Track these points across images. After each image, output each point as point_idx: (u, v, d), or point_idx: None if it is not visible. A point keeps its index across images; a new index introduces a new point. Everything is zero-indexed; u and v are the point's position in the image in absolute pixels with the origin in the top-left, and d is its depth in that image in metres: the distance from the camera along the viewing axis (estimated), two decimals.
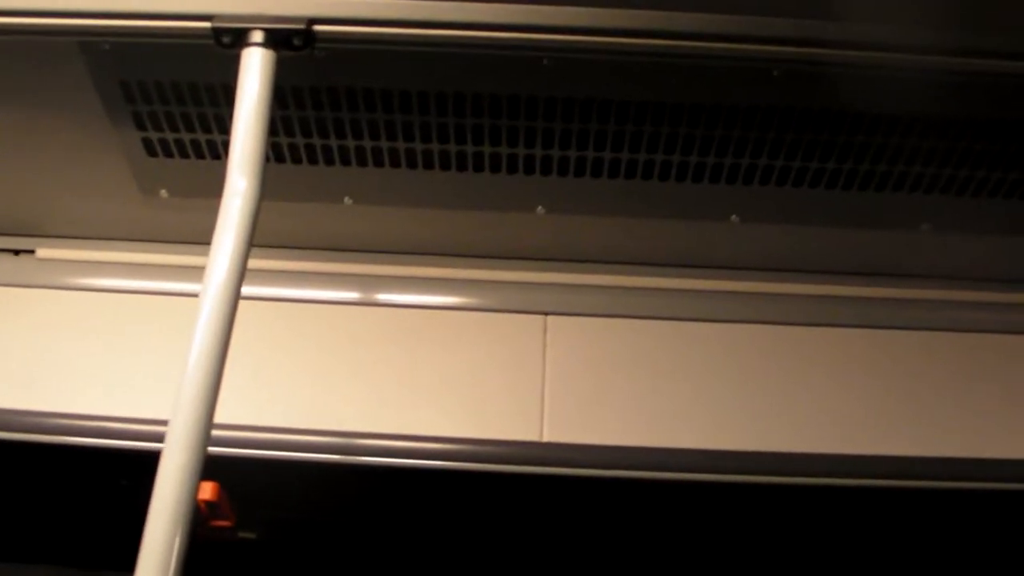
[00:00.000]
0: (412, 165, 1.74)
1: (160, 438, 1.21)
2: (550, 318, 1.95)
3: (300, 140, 1.70)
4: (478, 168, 1.74)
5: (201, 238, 1.32)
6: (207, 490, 1.81)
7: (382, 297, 1.96)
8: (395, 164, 1.74)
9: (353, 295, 1.96)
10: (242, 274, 1.30)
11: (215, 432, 1.25)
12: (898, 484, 1.84)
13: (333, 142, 1.70)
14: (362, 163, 1.74)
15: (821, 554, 2.15)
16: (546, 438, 1.84)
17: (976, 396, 1.92)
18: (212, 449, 1.25)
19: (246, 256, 1.31)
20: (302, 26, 1.43)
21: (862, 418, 1.88)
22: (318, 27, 1.45)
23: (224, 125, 1.65)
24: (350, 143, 1.70)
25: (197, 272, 1.31)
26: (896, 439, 1.86)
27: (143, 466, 1.23)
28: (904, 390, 1.92)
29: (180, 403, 1.21)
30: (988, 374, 1.94)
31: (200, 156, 1.74)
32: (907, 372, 1.93)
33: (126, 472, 1.86)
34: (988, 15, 1.47)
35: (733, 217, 1.84)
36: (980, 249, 1.93)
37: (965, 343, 1.98)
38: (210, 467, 1.36)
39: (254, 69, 1.41)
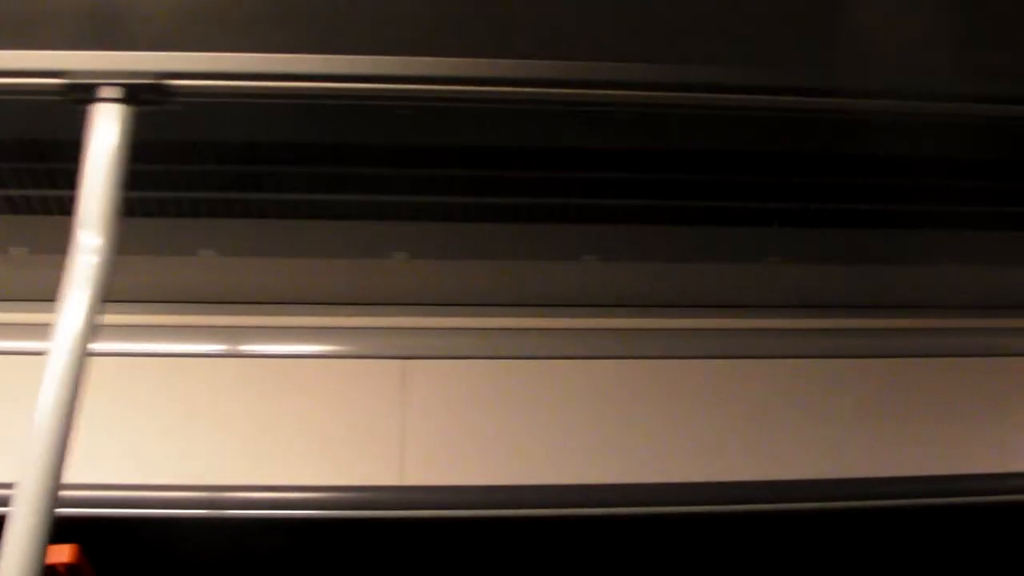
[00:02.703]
0: (266, 216, 1.75)
1: (8, 501, 1.18)
2: (408, 362, 1.97)
3: (157, 193, 1.69)
4: (338, 216, 1.75)
5: (55, 295, 1.29)
6: (66, 553, 1.76)
7: (242, 348, 1.95)
8: (253, 215, 1.75)
9: (212, 347, 1.94)
10: (92, 330, 1.28)
11: (73, 493, 1.23)
12: (762, 508, 1.92)
13: (185, 195, 1.69)
14: (219, 214, 1.74)
15: None
16: (407, 481, 1.85)
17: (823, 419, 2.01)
18: (69, 511, 1.22)
19: (96, 312, 1.29)
20: (155, 81, 1.43)
21: (716, 445, 1.95)
22: (171, 81, 1.44)
23: (75, 180, 1.62)
24: (206, 195, 1.70)
25: (50, 330, 1.28)
26: (756, 464, 1.94)
27: None
28: (762, 415, 2.00)
29: (27, 463, 1.18)
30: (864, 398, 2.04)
31: (50, 212, 1.71)
32: (763, 397, 2.02)
33: None
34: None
35: (584, 256, 1.88)
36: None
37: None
38: (70, 529, 1.32)
39: (107, 125, 1.39)
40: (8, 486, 1.18)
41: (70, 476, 1.21)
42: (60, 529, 1.20)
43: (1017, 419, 2.03)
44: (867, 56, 1.52)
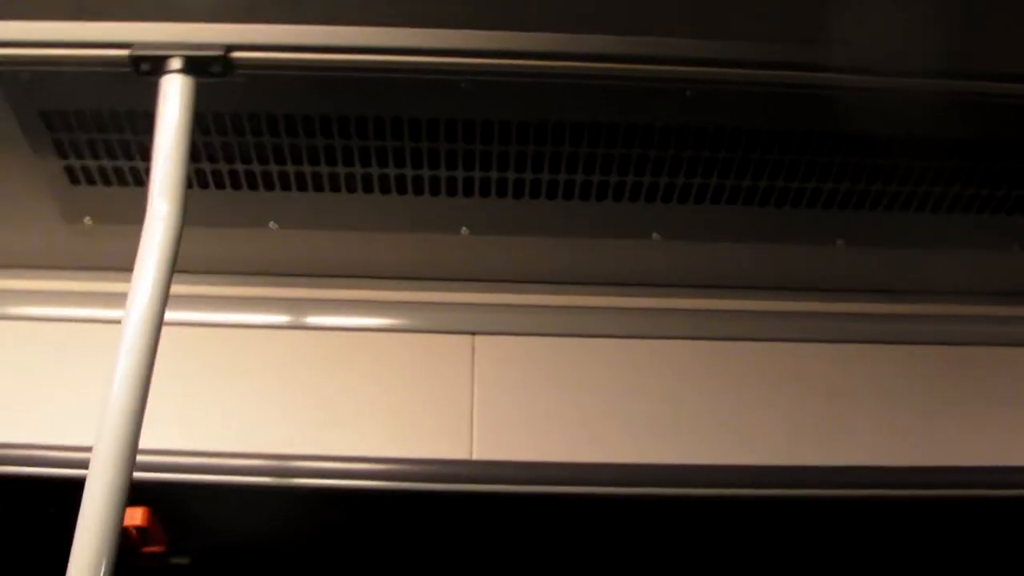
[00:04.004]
0: (336, 189, 1.75)
1: (86, 464, 1.20)
2: (478, 337, 1.97)
3: (223, 166, 1.71)
4: (401, 191, 1.76)
5: (127, 264, 1.32)
6: (137, 516, 1.80)
7: (310, 320, 1.97)
8: (319, 188, 1.75)
9: (280, 319, 1.96)
10: (165, 299, 1.30)
11: (144, 458, 1.25)
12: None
13: (256, 167, 1.71)
14: (286, 187, 1.75)
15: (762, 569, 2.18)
16: (476, 456, 1.86)
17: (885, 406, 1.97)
18: (142, 475, 1.25)
19: (169, 281, 1.31)
20: (220, 53, 1.44)
21: (810, 430, 1.93)
22: (236, 54, 1.46)
23: (146, 151, 1.64)
24: (273, 168, 1.71)
25: (123, 298, 1.31)
26: (832, 449, 1.91)
27: (71, 494, 1.22)
28: (839, 400, 1.96)
29: (104, 428, 1.21)
30: (898, 385, 2.00)
31: (123, 183, 1.74)
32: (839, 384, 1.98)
33: (54, 500, 1.84)
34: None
35: (654, 235, 1.87)
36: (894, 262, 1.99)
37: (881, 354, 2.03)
38: (141, 493, 1.35)
39: (173, 96, 1.42)
40: (86, 450, 1.21)
41: (144, 442, 1.24)
42: (133, 493, 1.22)
43: None
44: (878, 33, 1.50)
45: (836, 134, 1.68)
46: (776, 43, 1.52)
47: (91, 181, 1.74)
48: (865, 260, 1.98)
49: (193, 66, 1.44)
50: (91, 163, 1.71)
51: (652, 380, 1.95)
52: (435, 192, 1.77)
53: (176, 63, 1.43)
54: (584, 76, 1.54)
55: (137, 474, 1.23)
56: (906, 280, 2.05)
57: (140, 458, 1.23)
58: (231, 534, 2.08)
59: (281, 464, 1.83)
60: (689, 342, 1.99)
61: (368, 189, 1.75)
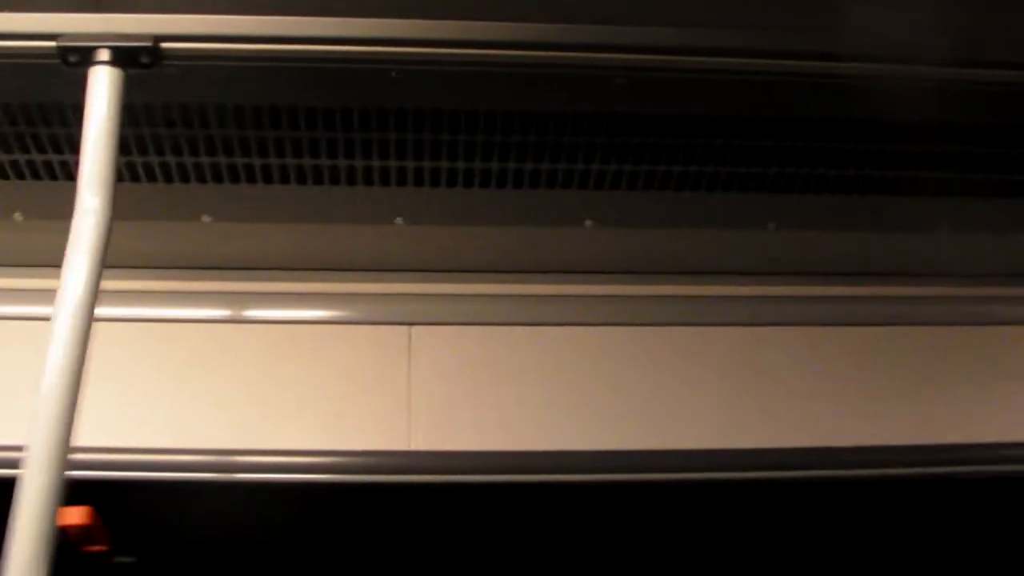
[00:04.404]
0: (268, 180, 1.75)
1: (19, 464, 1.19)
2: (414, 328, 1.97)
3: (154, 158, 1.69)
4: (334, 181, 1.75)
5: (58, 260, 1.30)
6: (77, 515, 1.78)
7: (246, 314, 1.95)
8: (251, 180, 1.74)
9: (215, 312, 1.95)
10: (95, 295, 1.29)
11: (85, 456, 1.25)
12: (773, 476, 1.92)
13: (188, 159, 1.69)
14: (218, 180, 1.74)
15: (701, 553, 2.20)
16: (414, 446, 1.86)
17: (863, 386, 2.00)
18: (82, 473, 1.24)
19: (98, 276, 1.30)
20: (149, 43, 1.43)
21: (711, 412, 1.95)
22: (165, 44, 1.44)
23: (75, 145, 1.62)
24: (205, 160, 1.70)
25: (53, 295, 1.29)
26: (758, 432, 1.94)
27: (5, 494, 1.21)
28: (760, 384, 1.99)
29: (36, 427, 1.20)
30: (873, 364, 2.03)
31: (53, 177, 1.72)
32: (763, 366, 2.01)
33: None
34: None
35: (587, 222, 1.89)
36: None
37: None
38: (82, 492, 1.34)
39: (101, 88, 1.40)
40: (18, 448, 1.19)
41: (78, 440, 1.23)
42: (71, 493, 1.21)
43: None
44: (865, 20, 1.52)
45: (774, 119, 1.70)
46: (713, 29, 1.54)
47: (20, 175, 1.72)
48: (804, 243, 2.01)
49: (121, 57, 1.42)
50: (20, 157, 1.68)
51: (590, 367, 1.97)
52: (368, 182, 1.77)
53: (104, 54, 1.42)
54: (514, 64, 1.55)
55: (77, 472, 1.22)
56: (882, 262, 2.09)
57: (80, 456, 1.22)
58: (176, 531, 2.06)
59: (221, 460, 1.83)
60: (626, 328, 2.01)
61: (301, 180, 1.75)
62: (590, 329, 2.00)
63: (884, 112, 1.67)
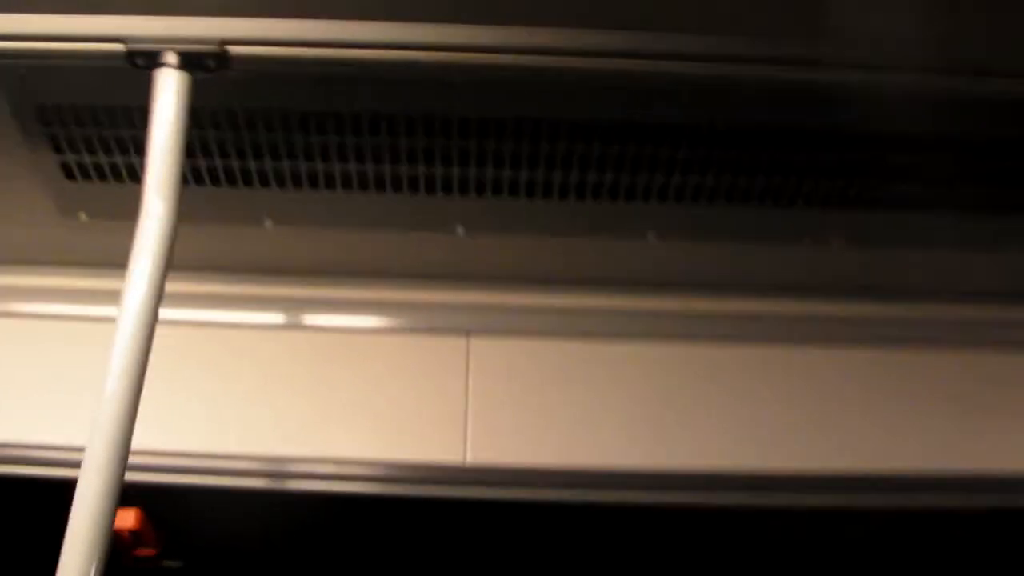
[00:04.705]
0: (331, 186, 1.74)
1: (79, 464, 1.19)
2: (473, 338, 1.96)
3: (218, 162, 1.69)
4: (396, 188, 1.74)
5: (123, 261, 1.31)
6: (129, 518, 1.79)
7: (305, 320, 1.95)
8: (314, 185, 1.74)
9: (275, 318, 1.95)
10: (159, 297, 1.29)
11: (137, 459, 1.24)
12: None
13: (251, 163, 1.69)
14: (281, 184, 1.73)
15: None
16: (469, 460, 1.84)
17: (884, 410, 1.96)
18: (134, 476, 1.24)
19: (163, 279, 1.30)
20: (215, 48, 1.43)
21: (812, 433, 1.91)
22: (232, 48, 1.44)
23: (141, 147, 1.62)
24: (268, 164, 1.69)
25: (118, 296, 1.30)
26: (819, 454, 1.90)
27: (63, 494, 1.21)
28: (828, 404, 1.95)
29: (96, 428, 1.20)
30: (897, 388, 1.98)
31: (119, 178, 1.73)
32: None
33: (47, 500, 1.83)
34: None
35: (650, 234, 1.86)
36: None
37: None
38: (134, 494, 1.34)
39: (168, 91, 1.40)
40: (78, 450, 1.19)
41: (136, 442, 1.22)
42: (125, 494, 1.21)
43: None
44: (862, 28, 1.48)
45: (830, 131, 1.66)
46: (776, 38, 1.50)
47: (87, 176, 1.73)
48: (861, 260, 1.97)
49: (188, 61, 1.42)
50: (86, 158, 1.69)
51: (651, 382, 1.94)
52: (430, 190, 1.75)
53: (171, 58, 1.42)
54: (580, 73, 1.52)
55: (129, 475, 1.22)
56: (901, 281, 2.04)
57: (132, 459, 1.22)
58: (223, 537, 2.07)
59: (273, 466, 1.83)
60: (688, 344, 1.98)
61: (363, 187, 1.74)
62: (652, 344, 1.98)
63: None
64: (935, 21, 1.47)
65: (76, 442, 1.22)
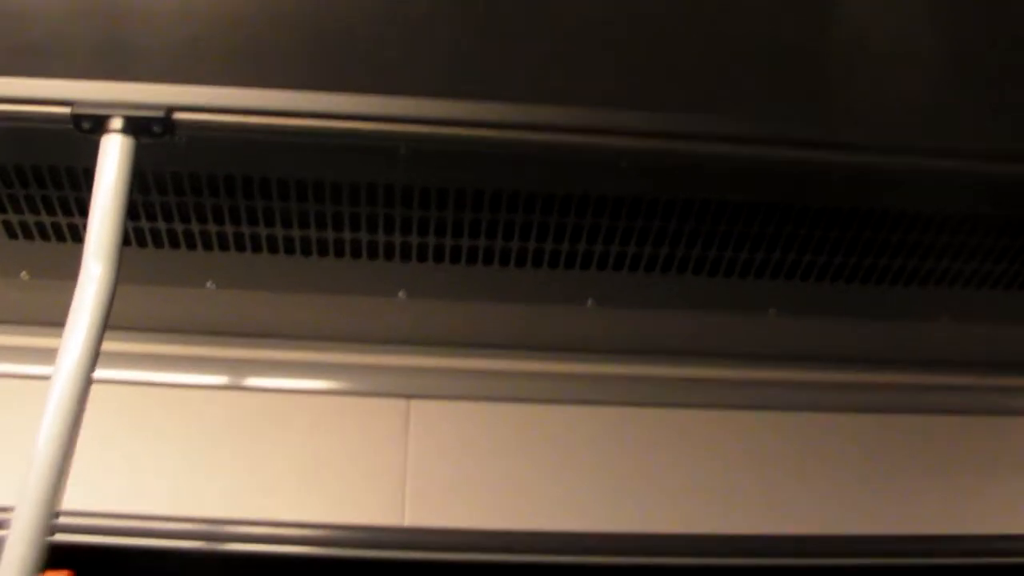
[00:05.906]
0: (274, 250, 1.76)
1: (5, 525, 1.18)
2: (413, 401, 1.97)
3: (162, 224, 1.71)
4: (339, 254, 1.77)
5: (64, 319, 1.31)
6: None
7: (245, 381, 1.96)
8: (257, 249, 1.75)
9: (215, 379, 1.95)
10: (95, 358, 1.29)
11: (70, 520, 1.24)
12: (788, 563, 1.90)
13: (195, 226, 1.71)
14: (224, 248, 1.75)
15: None
16: (408, 522, 1.84)
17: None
18: (67, 537, 1.23)
19: (99, 340, 1.30)
20: (161, 114, 1.45)
21: (706, 497, 1.94)
22: (178, 115, 1.46)
23: (85, 207, 1.63)
24: (212, 227, 1.71)
25: (55, 355, 1.30)
26: (754, 516, 1.93)
27: None
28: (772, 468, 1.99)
29: (26, 488, 1.19)
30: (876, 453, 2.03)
31: (61, 239, 1.73)
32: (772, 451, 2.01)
33: None
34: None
35: (590, 301, 1.89)
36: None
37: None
38: (66, 557, 1.32)
39: (112, 155, 1.41)
40: (6, 510, 1.19)
41: (67, 503, 1.22)
42: (56, 556, 1.20)
43: None
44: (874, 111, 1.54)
45: (764, 204, 1.71)
46: (711, 115, 1.55)
47: (28, 236, 1.73)
48: (799, 328, 2.01)
49: (134, 126, 1.44)
50: (29, 218, 1.70)
51: (588, 447, 1.96)
52: (373, 255, 1.78)
53: (117, 123, 1.43)
54: (520, 146, 1.55)
55: (64, 536, 1.21)
56: (845, 349, 2.09)
57: (67, 520, 1.22)
58: None
59: (211, 528, 1.81)
60: (624, 408, 2.01)
61: (306, 252, 1.76)
62: (590, 408, 2.00)
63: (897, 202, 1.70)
64: None
65: (6, 502, 1.21)
